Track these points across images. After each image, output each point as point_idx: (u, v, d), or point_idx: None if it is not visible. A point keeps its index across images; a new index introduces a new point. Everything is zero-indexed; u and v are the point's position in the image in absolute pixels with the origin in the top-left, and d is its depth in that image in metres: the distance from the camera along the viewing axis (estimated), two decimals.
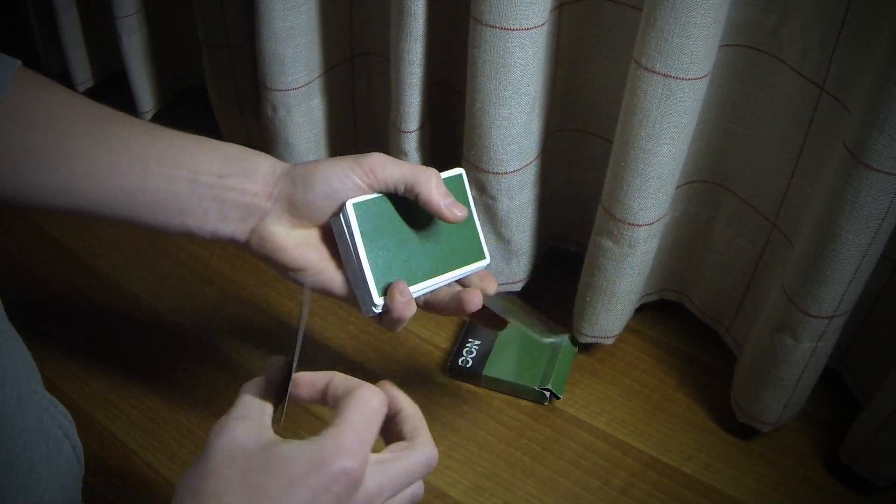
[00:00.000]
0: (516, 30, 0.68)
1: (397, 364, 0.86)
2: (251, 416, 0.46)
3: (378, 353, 0.87)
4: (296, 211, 0.56)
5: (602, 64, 0.78)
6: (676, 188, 0.75)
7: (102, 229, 0.99)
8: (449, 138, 0.91)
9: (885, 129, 0.56)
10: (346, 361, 0.86)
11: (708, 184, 0.79)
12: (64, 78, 1.14)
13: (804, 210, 0.70)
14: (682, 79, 0.64)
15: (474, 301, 0.60)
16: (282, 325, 0.90)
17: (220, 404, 0.81)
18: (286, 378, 0.49)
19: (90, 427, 0.78)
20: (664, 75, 0.64)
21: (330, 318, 0.89)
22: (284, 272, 0.58)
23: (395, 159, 0.57)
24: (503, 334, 0.87)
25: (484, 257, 0.64)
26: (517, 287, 0.90)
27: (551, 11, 0.71)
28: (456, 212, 0.58)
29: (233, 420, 0.45)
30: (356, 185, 0.56)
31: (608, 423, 0.81)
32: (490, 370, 0.83)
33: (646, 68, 0.64)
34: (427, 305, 0.63)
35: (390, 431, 0.50)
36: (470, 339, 0.86)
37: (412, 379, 0.84)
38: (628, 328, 0.87)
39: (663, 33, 0.62)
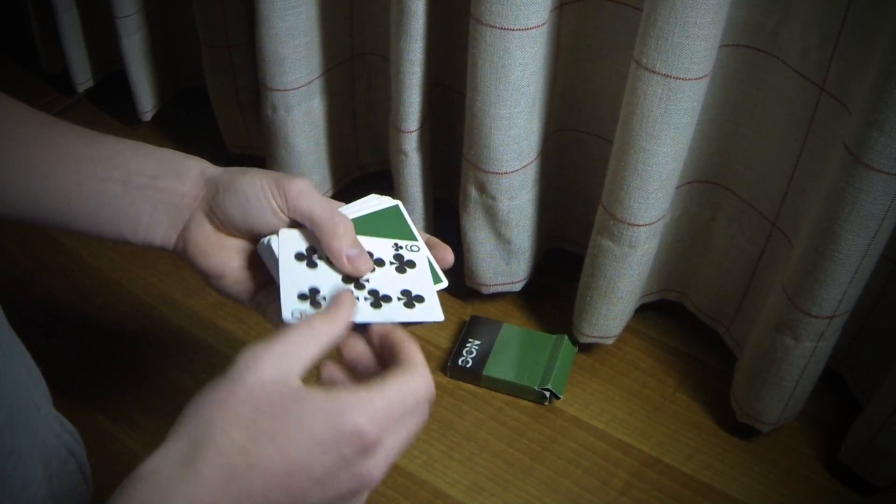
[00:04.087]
0: (516, 30, 0.68)
1: None
2: (287, 357, 0.43)
3: None
4: (214, 216, 0.55)
5: (602, 64, 0.78)
6: (677, 188, 0.75)
7: None
8: (449, 138, 0.91)
9: (885, 129, 0.56)
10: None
11: (708, 184, 0.79)
12: (64, 78, 1.14)
13: (804, 210, 0.70)
14: (682, 79, 0.64)
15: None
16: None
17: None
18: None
19: (89, 427, 0.78)
20: (664, 75, 0.64)
21: None
22: (207, 279, 0.57)
23: (318, 194, 0.54)
24: (503, 334, 0.87)
25: (441, 280, 0.57)
26: (517, 287, 0.90)
27: (551, 11, 0.71)
28: (359, 266, 0.52)
29: (267, 355, 0.43)
30: (269, 204, 0.53)
31: (608, 423, 0.81)
32: (490, 370, 0.83)
33: (646, 68, 0.64)
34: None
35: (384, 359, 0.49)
36: (470, 339, 0.86)
37: None
38: (628, 328, 0.87)
39: (663, 33, 0.62)
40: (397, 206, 0.59)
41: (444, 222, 0.94)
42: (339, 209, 0.55)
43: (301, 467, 0.41)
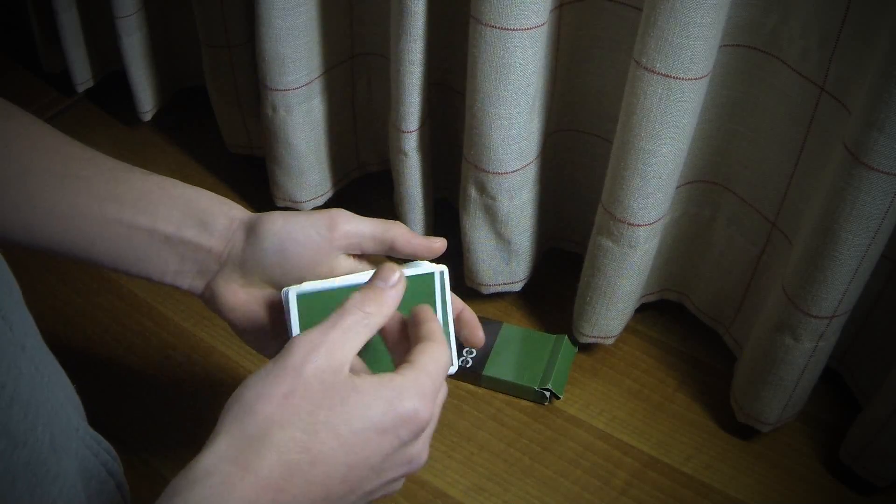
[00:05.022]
0: (516, 30, 0.68)
1: None
2: (342, 344, 0.44)
3: None
4: (246, 268, 0.53)
5: (602, 64, 0.78)
6: (677, 188, 0.75)
7: None
8: (449, 138, 0.91)
9: (885, 129, 0.56)
10: None
11: (708, 184, 0.79)
12: (64, 78, 1.14)
13: (804, 210, 0.70)
14: (682, 79, 0.64)
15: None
16: None
17: (220, 404, 0.81)
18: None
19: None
20: (664, 75, 0.64)
21: None
22: (236, 332, 0.57)
23: (357, 216, 0.54)
24: (503, 334, 0.87)
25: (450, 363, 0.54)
26: (517, 287, 0.90)
27: (551, 11, 0.71)
28: (436, 245, 0.54)
29: (322, 344, 0.43)
30: (311, 240, 0.52)
31: (608, 423, 0.81)
32: (490, 370, 0.83)
33: (646, 68, 0.64)
34: None
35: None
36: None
37: None
38: (628, 328, 0.87)
39: (663, 33, 0.62)
40: (433, 273, 0.55)
41: (444, 222, 0.94)
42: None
43: (361, 457, 0.42)
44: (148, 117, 1.10)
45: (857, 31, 0.61)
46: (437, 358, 0.46)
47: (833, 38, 0.63)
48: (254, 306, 0.54)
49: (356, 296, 0.46)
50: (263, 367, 0.43)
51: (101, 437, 0.49)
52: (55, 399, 0.43)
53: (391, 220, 0.54)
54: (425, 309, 0.49)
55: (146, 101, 1.08)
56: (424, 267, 0.55)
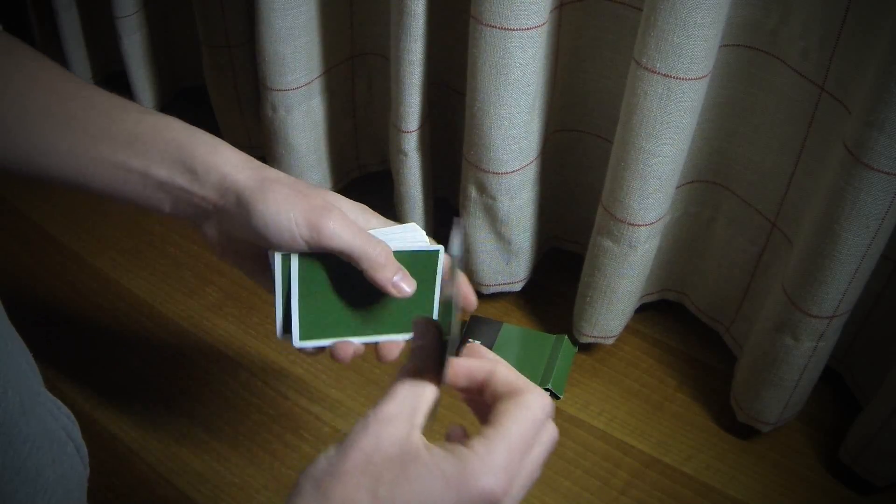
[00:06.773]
0: (516, 30, 0.68)
1: (397, 364, 0.86)
2: (401, 416, 0.43)
3: None
4: (226, 229, 0.54)
5: (602, 64, 0.78)
6: (677, 188, 0.75)
7: (102, 229, 0.99)
8: (449, 138, 0.91)
9: (885, 129, 0.56)
10: None
11: (708, 184, 0.79)
12: None
13: (804, 210, 0.70)
14: (682, 79, 0.64)
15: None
16: None
17: (219, 404, 0.81)
18: (440, 362, 0.45)
19: (90, 427, 0.78)
20: (664, 75, 0.64)
21: None
22: (229, 264, 0.58)
23: (352, 222, 0.52)
24: (503, 334, 0.87)
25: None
26: (517, 287, 0.90)
27: (551, 11, 0.71)
28: (404, 287, 0.53)
29: (379, 421, 0.42)
30: (294, 240, 0.51)
31: (608, 423, 0.81)
32: None
33: (646, 68, 0.64)
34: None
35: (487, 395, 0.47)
36: (470, 340, 0.86)
37: None
38: (628, 328, 0.87)
39: (663, 33, 0.62)
40: (438, 252, 0.56)
41: (445, 222, 0.94)
42: (373, 232, 0.54)
43: None
44: None
45: (857, 31, 0.61)
46: (522, 415, 0.43)
47: (833, 38, 0.63)
48: (248, 253, 0.55)
49: (402, 375, 0.45)
50: (333, 445, 0.43)
51: (59, 402, 0.50)
52: (19, 366, 0.45)
53: (375, 245, 0.52)
54: (491, 367, 0.46)
55: (146, 101, 1.08)
56: (419, 238, 0.56)
